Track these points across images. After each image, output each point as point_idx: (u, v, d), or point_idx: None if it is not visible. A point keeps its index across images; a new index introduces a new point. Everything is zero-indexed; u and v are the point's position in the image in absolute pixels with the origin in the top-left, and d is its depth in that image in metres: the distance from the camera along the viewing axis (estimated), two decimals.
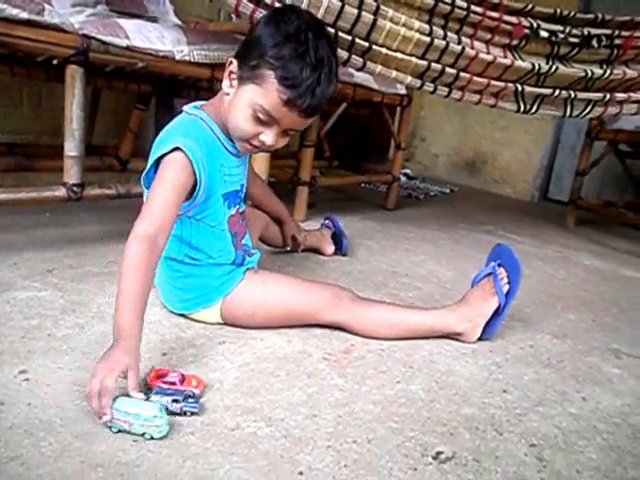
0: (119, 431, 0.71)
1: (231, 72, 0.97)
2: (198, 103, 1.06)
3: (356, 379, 0.93)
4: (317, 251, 1.60)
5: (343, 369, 0.96)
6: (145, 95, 1.82)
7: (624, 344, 1.25)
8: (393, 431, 0.80)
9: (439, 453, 0.76)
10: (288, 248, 1.52)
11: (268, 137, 0.96)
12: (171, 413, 0.75)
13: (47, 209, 1.65)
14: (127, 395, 0.73)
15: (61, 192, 1.27)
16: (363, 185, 2.94)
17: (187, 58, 1.40)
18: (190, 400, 0.77)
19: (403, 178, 3.19)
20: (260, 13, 1.28)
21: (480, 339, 1.13)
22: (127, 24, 1.30)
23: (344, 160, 2.64)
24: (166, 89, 1.82)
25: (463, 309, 1.11)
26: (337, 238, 1.63)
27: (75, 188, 1.29)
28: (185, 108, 1.04)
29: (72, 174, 1.28)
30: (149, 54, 1.33)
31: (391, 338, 1.09)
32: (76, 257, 1.31)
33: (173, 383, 0.80)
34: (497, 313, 1.11)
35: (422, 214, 2.48)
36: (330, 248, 1.61)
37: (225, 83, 0.99)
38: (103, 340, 0.94)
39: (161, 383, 0.80)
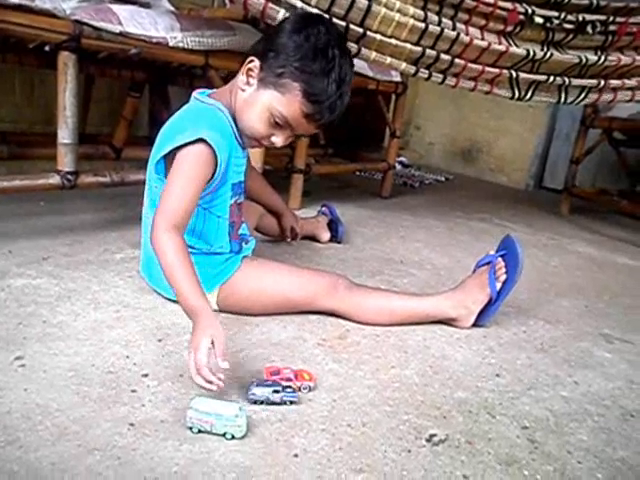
0: (199, 431, 0.71)
1: (250, 69, 0.97)
2: (206, 91, 1.07)
3: (351, 364, 0.94)
4: (313, 238, 1.61)
5: (338, 354, 0.97)
6: (139, 82, 1.81)
7: (616, 329, 1.26)
8: (387, 415, 0.81)
9: (432, 436, 0.78)
10: (288, 240, 1.52)
11: (279, 139, 0.99)
12: (272, 403, 0.78)
13: (41, 197, 1.64)
14: (203, 396, 0.75)
15: (55, 180, 1.27)
16: (358, 173, 2.93)
17: (181, 45, 1.39)
18: (288, 390, 0.80)
19: (398, 166, 3.19)
20: (271, 10, 1.27)
21: (474, 325, 1.14)
22: (120, 10, 1.29)
23: (339, 148, 2.63)
24: (160, 76, 1.81)
25: (458, 295, 1.12)
26: (333, 225, 1.63)
27: (69, 176, 1.28)
28: (196, 95, 1.04)
29: (66, 162, 1.27)
30: (142, 40, 1.32)
31: (387, 324, 1.10)
32: (71, 245, 1.31)
33: (289, 379, 0.83)
34: (490, 303, 1.12)
35: (417, 202, 2.48)
36: (326, 235, 1.62)
37: (242, 79, 0.99)
38: (98, 327, 0.95)
39: (279, 380, 0.82)
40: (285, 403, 0.79)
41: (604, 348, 1.16)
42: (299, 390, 0.82)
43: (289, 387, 0.81)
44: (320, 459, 0.69)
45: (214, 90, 1.07)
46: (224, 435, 0.71)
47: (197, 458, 0.67)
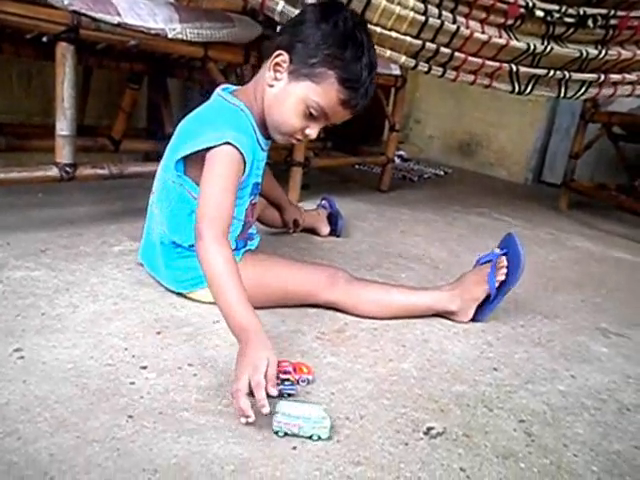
0: (285, 434, 0.71)
1: (278, 64, 0.96)
2: (230, 87, 1.06)
3: (349, 357, 0.94)
4: (313, 231, 1.61)
5: (336, 348, 0.97)
6: (137, 74, 1.80)
7: (612, 324, 1.27)
8: (385, 408, 0.81)
9: (430, 429, 0.78)
10: (291, 231, 1.53)
11: (313, 131, 0.98)
12: (270, 396, 0.77)
13: (39, 189, 1.64)
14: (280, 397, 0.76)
15: (53, 172, 1.26)
16: (357, 167, 2.93)
17: (180, 36, 1.38)
18: (287, 383, 0.81)
19: (397, 160, 3.18)
20: (270, 1, 1.27)
21: (472, 320, 1.14)
22: (118, 0, 1.28)
23: (338, 141, 2.63)
24: (159, 68, 1.80)
25: (457, 289, 1.12)
26: (332, 219, 1.63)
27: (67, 168, 1.28)
28: (220, 92, 1.03)
29: (64, 154, 1.27)
30: (141, 32, 1.31)
31: (386, 317, 1.10)
32: (69, 237, 1.31)
33: (288, 372, 0.83)
34: (488, 300, 1.12)
35: (416, 196, 2.48)
36: (325, 229, 1.62)
37: (269, 75, 0.97)
38: (97, 319, 0.95)
39: (279, 373, 0.81)
40: (283, 396, 0.79)
41: (601, 342, 1.16)
42: (297, 383, 0.83)
43: (287, 380, 0.81)
44: (318, 451, 0.70)
45: (238, 88, 1.06)
46: (310, 437, 0.71)
47: (195, 450, 0.67)
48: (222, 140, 0.92)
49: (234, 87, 1.07)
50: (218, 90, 1.05)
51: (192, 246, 1.01)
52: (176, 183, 1.02)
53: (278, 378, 0.80)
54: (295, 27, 0.97)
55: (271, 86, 0.97)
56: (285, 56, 0.94)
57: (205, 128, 0.95)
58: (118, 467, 0.62)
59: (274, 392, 0.73)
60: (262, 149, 1.06)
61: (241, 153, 0.93)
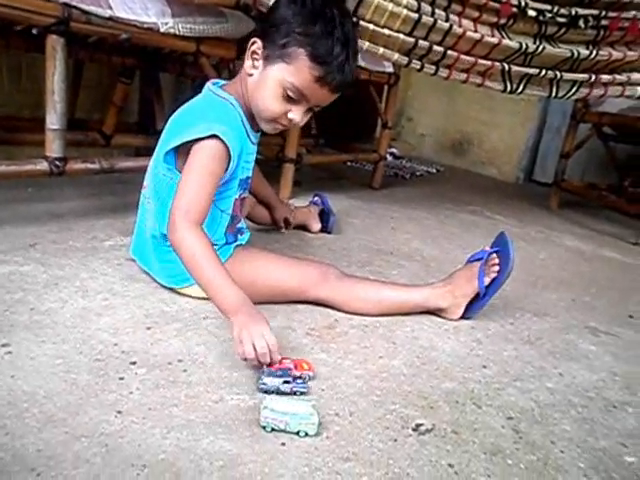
0: (273, 430, 0.71)
1: (254, 52, 0.96)
2: (220, 81, 1.07)
3: (339, 354, 0.94)
4: (304, 228, 1.61)
5: (326, 344, 0.97)
6: (129, 68, 1.78)
7: (601, 322, 1.28)
8: (374, 404, 0.81)
9: (419, 425, 0.78)
10: (283, 231, 1.53)
11: (296, 115, 0.97)
12: (282, 393, 0.78)
13: (29, 183, 1.62)
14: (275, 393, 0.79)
15: (43, 166, 1.25)
16: (349, 164, 2.93)
17: (172, 31, 1.37)
18: (299, 381, 0.81)
19: (389, 157, 3.18)
20: None
21: (462, 317, 1.14)
22: None
23: (331, 138, 2.62)
24: (151, 62, 1.79)
25: (448, 287, 1.12)
26: (324, 216, 1.63)
27: (57, 162, 1.26)
28: (210, 87, 1.04)
29: (54, 148, 1.26)
30: (133, 25, 1.30)
31: (376, 314, 1.10)
32: (59, 232, 1.30)
33: (289, 368, 0.83)
34: (478, 297, 1.13)
35: (408, 194, 2.49)
36: (317, 225, 1.62)
37: (247, 63, 0.98)
38: (86, 314, 0.94)
39: (277, 369, 0.83)
40: (295, 394, 0.80)
41: (589, 341, 1.17)
42: (299, 379, 0.83)
43: (300, 377, 0.82)
44: (307, 448, 0.70)
45: (227, 82, 1.06)
46: (297, 433, 0.71)
47: (184, 446, 0.67)
48: (209, 132, 0.92)
49: (224, 82, 1.07)
50: (208, 84, 1.05)
51: None
52: (167, 176, 1.02)
53: (290, 375, 0.81)
54: (267, 14, 0.98)
55: (251, 75, 0.98)
56: (259, 43, 0.95)
57: (194, 121, 0.95)
58: (106, 462, 0.62)
59: (277, 357, 0.82)
60: (252, 142, 1.07)
61: (227, 147, 0.94)
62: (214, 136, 0.92)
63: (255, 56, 0.97)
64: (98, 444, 0.65)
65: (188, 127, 0.95)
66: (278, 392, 0.79)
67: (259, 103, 0.98)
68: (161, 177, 1.03)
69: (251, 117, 1.02)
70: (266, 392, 0.79)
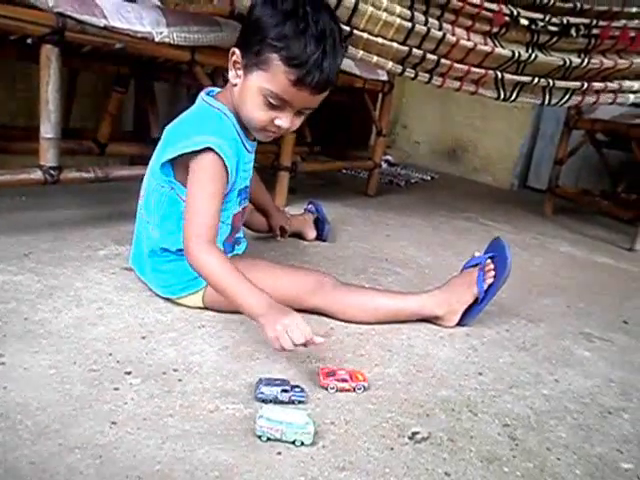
0: (268, 439, 0.71)
1: (235, 62, 0.96)
2: (214, 89, 1.06)
3: (335, 362, 0.94)
4: (299, 236, 1.61)
5: (322, 352, 0.97)
6: (124, 77, 1.78)
7: (596, 328, 1.29)
8: (370, 412, 0.81)
9: (415, 433, 0.78)
10: (279, 239, 1.52)
11: (283, 121, 0.95)
12: (280, 402, 0.78)
13: (23, 192, 1.62)
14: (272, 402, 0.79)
15: (37, 175, 1.25)
16: (344, 171, 2.94)
17: (167, 40, 1.38)
18: (297, 390, 0.81)
19: (384, 165, 3.19)
20: None
21: (458, 325, 1.15)
22: (104, 3, 1.27)
23: (325, 146, 2.63)
24: (145, 71, 1.79)
25: (444, 294, 1.12)
26: (319, 224, 1.63)
27: (52, 171, 1.26)
28: (204, 97, 1.03)
29: (48, 156, 1.26)
30: (127, 35, 1.30)
31: (372, 322, 1.10)
32: (53, 241, 1.29)
33: (345, 380, 0.84)
34: (476, 303, 1.13)
35: (403, 201, 2.49)
36: (312, 233, 1.62)
37: (231, 74, 0.97)
38: (81, 324, 0.94)
39: (335, 381, 0.84)
40: (293, 402, 0.80)
41: (584, 347, 1.18)
42: (353, 390, 0.85)
43: (297, 387, 0.82)
44: (303, 457, 0.70)
45: (220, 90, 1.06)
46: (293, 442, 0.71)
47: (180, 456, 0.66)
48: (204, 145, 0.92)
49: (218, 89, 1.07)
50: (202, 94, 1.05)
51: (180, 250, 1.01)
52: (166, 187, 1.02)
53: (288, 384, 0.81)
54: (244, 19, 0.98)
55: (235, 85, 0.97)
56: (237, 52, 0.94)
57: (189, 133, 0.95)
58: (101, 474, 0.62)
59: (319, 339, 0.84)
60: (248, 151, 1.06)
61: (222, 159, 0.93)
62: (209, 149, 0.92)
63: (237, 65, 0.96)
64: (92, 455, 0.64)
65: (183, 139, 0.95)
66: (276, 401, 0.79)
67: (245, 114, 0.97)
68: (159, 189, 1.03)
69: (245, 126, 1.02)
70: (264, 401, 0.78)
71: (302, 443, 0.71)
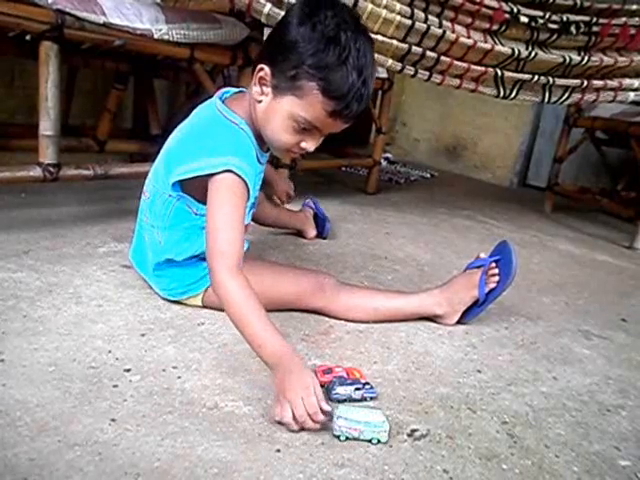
0: (347, 439, 0.73)
1: (262, 78, 0.89)
2: (230, 90, 1.01)
3: (334, 360, 0.94)
4: (299, 233, 1.61)
5: (321, 350, 0.97)
6: (123, 74, 1.78)
7: (594, 326, 1.29)
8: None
9: (414, 431, 0.78)
10: (285, 205, 1.54)
11: (310, 144, 0.93)
12: (353, 400, 0.80)
13: (22, 190, 1.62)
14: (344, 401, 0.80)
15: (36, 172, 1.25)
16: (344, 169, 2.93)
17: (166, 37, 1.38)
18: (367, 387, 0.83)
19: (384, 162, 3.19)
20: (257, 3, 1.27)
21: (457, 323, 1.15)
22: (104, 0, 1.27)
23: (325, 143, 2.62)
24: (145, 68, 1.79)
25: (445, 293, 1.12)
26: (319, 221, 1.63)
27: (51, 168, 1.26)
28: (219, 106, 0.96)
29: (48, 154, 1.25)
30: (127, 32, 1.30)
31: (372, 322, 1.10)
32: (52, 238, 1.29)
33: (342, 377, 0.84)
34: (476, 304, 1.13)
35: (402, 198, 2.49)
36: (312, 231, 1.61)
37: (256, 90, 0.91)
38: (80, 321, 0.94)
39: (333, 377, 0.84)
40: (366, 399, 0.82)
41: (583, 344, 1.18)
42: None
43: (367, 384, 0.83)
44: (302, 454, 0.70)
45: (237, 94, 1.01)
46: (370, 440, 0.73)
47: (179, 453, 0.67)
48: (223, 167, 0.88)
49: (232, 91, 1.02)
50: (216, 101, 0.98)
51: (185, 260, 1.02)
52: (173, 197, 0.98)
53: (359, 382, 0.83)
54: (275, 34, 0.91)
55: (259, 101, 0.91)
56: (267, 69, 0.88)
57: (203, 150, 0.91)
58: (100, 471, 0.62)
59: (328, 407, 0.74)
60: (260, 163, 1.03)
61: (244, 180, 0.90)
62: (229, 171, 0.88)
63: (264, 82, 0.89)
64: (91, 452, 0.64)
65: (197, 156, 0.91)
66: (350, 399, 0.81)
67: (270, 134, 0.93)
68: (166, 197, 0.99)
69: (259, 137, 0.97)
70: (339, 401, 0.80)
71: (379, 441, 0.73)
